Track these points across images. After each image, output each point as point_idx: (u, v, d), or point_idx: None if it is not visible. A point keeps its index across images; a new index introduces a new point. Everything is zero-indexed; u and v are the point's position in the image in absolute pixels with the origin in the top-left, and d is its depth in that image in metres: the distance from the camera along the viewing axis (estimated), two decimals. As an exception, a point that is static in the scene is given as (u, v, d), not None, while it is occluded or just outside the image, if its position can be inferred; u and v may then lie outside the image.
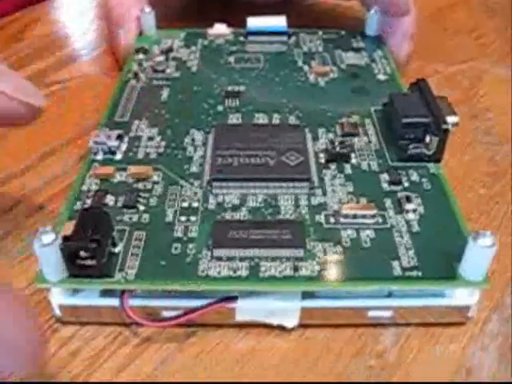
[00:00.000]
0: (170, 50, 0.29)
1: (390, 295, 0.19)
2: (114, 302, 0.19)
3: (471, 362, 0.19)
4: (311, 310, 0.19)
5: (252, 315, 0.19)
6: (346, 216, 0.20)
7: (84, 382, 0.18)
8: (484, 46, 0.35)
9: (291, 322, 0.19)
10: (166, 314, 0.19)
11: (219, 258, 0.19)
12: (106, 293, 0.19)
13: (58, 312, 0.19)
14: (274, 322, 0.19)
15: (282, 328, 0.19)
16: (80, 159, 0.26)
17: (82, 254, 0.18)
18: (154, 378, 0.18)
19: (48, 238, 0.18)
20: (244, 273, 0.18)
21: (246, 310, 0.19)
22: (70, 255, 0.18)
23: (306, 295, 0.19)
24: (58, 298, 0.19)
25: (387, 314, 0.19)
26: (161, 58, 0.28)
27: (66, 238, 0.18)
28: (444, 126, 0.22)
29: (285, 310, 0.19)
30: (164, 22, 0.31)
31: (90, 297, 0.19)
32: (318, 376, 0.18)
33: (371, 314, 0.19)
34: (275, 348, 0.19)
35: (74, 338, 0.19)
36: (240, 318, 0.19)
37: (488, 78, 0.32)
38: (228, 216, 0.20)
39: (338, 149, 0.23)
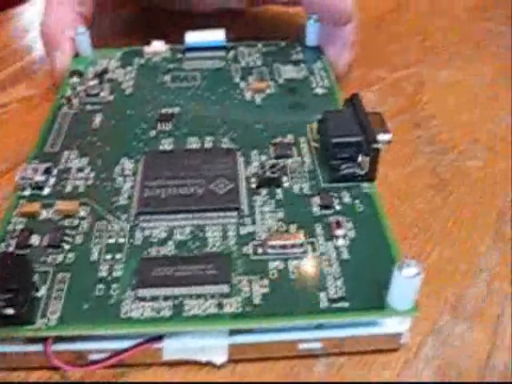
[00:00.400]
0: (105, 71, 0.29)
1: (319, 326, 0.19)
2: (38, 347, 0.18)
3: (406, 388, 0.19)
4: (239, 346, 0.19)
5: (179, 354, 0.19)
6: (273, 247, 0.20)
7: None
8: (429, 49, 0.34)
9: (220, 358, 0.19)
10: (92, 356, 0.19)
11: (143, 299, 0.18)
12: (31, 339, 0.19)
13: (-14, 359, 0.19)
14: (203, 358, 0.19)
15: (212, 364, 0.19)
16: (9, 195, 0.25)
17: (0, 303, 0.18)
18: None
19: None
20: (167, 313, 0.18)
21: (172, 349, 0.18)
22: (-12, 304, 0.17)
23: (234, 331, 0.19)
24: (-16, 345, 0.19)
25: (317, 345, 0.19)
26: (95, 82, 0.28)
27: (-18, 288, 0.17)
28: (374, 146, 0.22)
29: (212, 347, 0.18)
30: (101, 41, 0.31)
31: (13, 344, 0.19)
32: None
33: (301, 346, 0.19)
34: (206, 385, 0.19)
35: (3, 384, 0.19)
36: (167, 357, 0.19)
37: (432, 83, 0.31)
38: (154, 251, 0.20)
39: (268, 173, 0.22)
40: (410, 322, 0.19)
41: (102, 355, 0.18)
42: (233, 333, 0.19)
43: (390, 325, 0.19)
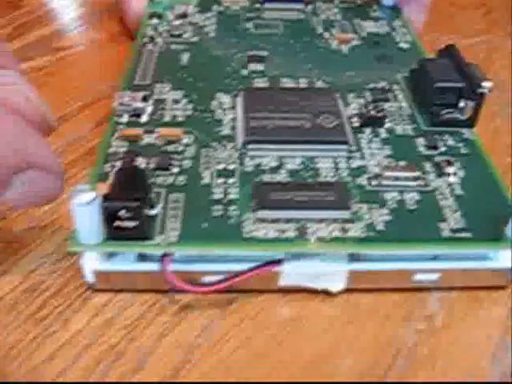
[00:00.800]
0: (185, 15, 0.28)
1: (435, 258, 0.19)
2: (151, 266, 0.18)
3: (518, 324, 0.19)
4: (358, 273, 0.18)
5: (296, 280, 0.18)
6: (388, 178, 0.20)
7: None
8: (493, 22, 0.34)
9: (337, 286, 0.18)
10: (205, 279, 0.18)
11: (264, 220, 0.18)
12: (142, 258, 0.18)
13: (91, 278, 0.18)
14: (319, 286, 0.18)
15: (326, 293, 0.19)
16: (96, 125, 0.25)
17: (122, 214, 0.17)
18: (196, 346, 0.17)
19: (87, 196, 0.16)
20: (292, 234, 0.18)
21: (291, 274, 0.18)
22: (111, 215, 0.17)
23: (352, 258, 0.18)
24: (92, 263, 0.18)
25: (433, 276, 0.19)
26: (177, 22, 0.27)
27: (106, 197, 0.17)
28: (480, 90, 0.22)
29: (331, 273, 0.18)
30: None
31: (125, 262, 0.18)
32: (364, 342, 0.18)
33: (418, 277, 0.19)
34: (321, 313, 0.18)
35: (108, 306, 0.18)
36: (284, 282, 0.18)
37: (503, 51, 0.31)
38: (267, 178, 0.20)
39: (372, 112, 0.22)
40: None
41: (216, 278, 0.18)
42: (351, 260, 0.18)
43: (504, 259, 0.19)
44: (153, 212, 0.18)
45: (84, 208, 0.17)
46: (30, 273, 0.19)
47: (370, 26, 0.28)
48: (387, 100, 0.23)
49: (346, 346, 0.18)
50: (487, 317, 0.19)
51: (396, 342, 0.18)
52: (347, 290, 0.19)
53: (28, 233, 0.20)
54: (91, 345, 0.17)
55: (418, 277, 0.19)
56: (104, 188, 0.18)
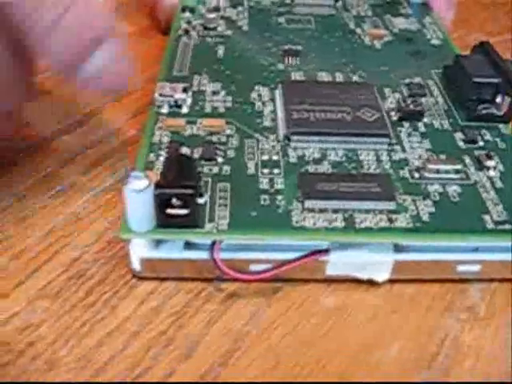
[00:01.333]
0: (217, 9, 0.29)
1: (476, 250, 0.19)
2: (199, 254, 0.18)
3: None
4: (402, 263, 0.18)
5: (343, 269, 0.18)
6: (430, 171, 0.20)
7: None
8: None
9: (382, 275, 0.19)
10: (252, 267, 0.18)
11: (311, 210, 0.18)
12: (188, 246, 0.18)
13: (137, 266, 0.18)
14: (365, 276, 0.19)
15: (370, 284, 0.19)
16: (133, 116, 0.25)
17: (174, 202, 0.17)
18: (245, 333, 0.17)
19: (141, 183, 0.17)
20: (340, 224, 0.18)
21: (337, 263, 0.18)
22: (163, 203, 0.17)
23: (397, 249, 0.19)
24: (140, 250, 0.18)
25: (475, 268, 0.19)
26: (210, 16, 0.27)
27: (158, 185, 0.17)
28: (518, 86, 0.22)
29: (377, 263, 0.18)
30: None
31: (173, 250, 0.18)
32: (408, 332, 0.18)
33: (460, 268, 0.19)
34: (365, 303, 0.19)
35: (154, 293, 0.18)
36: (331, 272, 0.18)
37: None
38: (311, 169, 0.20)
39: (411, 106, 0.22)
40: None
41: (262, 266, 0.18)
42: (397, 250, 0.18)
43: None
44: (202, 200, 0.18)
45: (137, 195, 0.17)
46: (74, 261, 0.19)
47: (400, 23, 0.29)
48: (424, 95, 0.24)
49: (390, 335, 0.18)
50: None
51: (439, 332, 0.18)
52: (390, 281, 0.19)
53: (67, 224, 0.20)
54: (140, 332, 0.17)
55: (461, 268, 0.19)
56: (154, 176, 0.18)
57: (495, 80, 0.22)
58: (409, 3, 0.30)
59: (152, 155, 0.20)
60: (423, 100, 0.23)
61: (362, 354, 0.17)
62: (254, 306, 0.18)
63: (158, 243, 0.18)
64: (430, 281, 0.19)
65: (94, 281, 0.19)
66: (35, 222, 0.20)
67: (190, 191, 0.17)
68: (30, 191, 0.21)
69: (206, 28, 0.27)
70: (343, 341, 0.18)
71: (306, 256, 0.18)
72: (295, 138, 0.21)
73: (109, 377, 0.16)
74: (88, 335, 0.17)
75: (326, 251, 0.18)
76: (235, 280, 0.18)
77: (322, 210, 0.18)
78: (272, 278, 0.18)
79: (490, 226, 0.18)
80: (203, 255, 0.18)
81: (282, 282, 0.19)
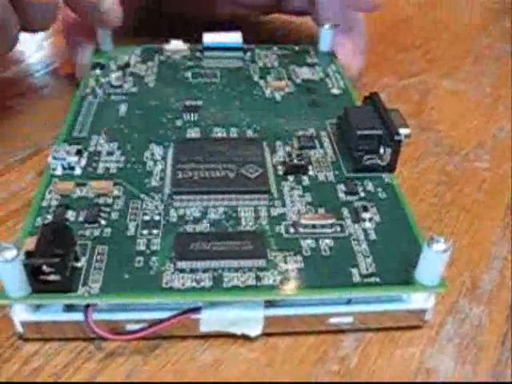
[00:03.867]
0: (127, 65, 0.30)
1: (349, 302, 0.20)
2: (78, 316, 0.19)
3: (430, 363, 0.19)
4: (274, 318, 0.19)
5: (216, 325, 0.19)
6: (305, 226, 0.21)
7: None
8: (431, 61, 0.36)
9: (254, 330, 0.19)
10: (130, 327, 0.19)
11: (182, 270, 0.19)
12: (69, 308, 0.19)
13: (20, 329, 0.19)
14: (238, 331, 0.19)
15: (245, 337, 0.20)
16: (37, 175, 0.26)
17: (45, 269, 0.18)
18: (119, 392, 0.18)
19: (10, 253, 0.17)
20: (207, 284, 0.19)
21: (210, 320, 0.19)
22: (33, 271, 0.18)
23: (269, 304, 0.19)
24: (21, 314, 0.19)
25: (347, 320, 0.20)
26: (118, 74, 0.28)
27: (28, 254, 0.18)
28: (397, 138, 0.23)
29: (248, 319, 0.19)
30: (119, 40, 0.32)
31: (52, 312, 0.19)
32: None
33: (332, 320, 0.20)
34: (240, 357, 0.19)
35: (37, 354, 0.19)
36: (204, 328, 0.19)
37: (436, 91, 0.33)
38: (190, 228, 0.21)
39: (295, 161, 0.23)
40: (434, 300, 0.20)
41: (139, 326, 0.19)
42: (268, 306, 0.19)
43: (416, 301, 0.20)
44: (78, 264, 0.19)
45: (7, 265, 0.17)
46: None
47: (305, 73, 0.30)
48: (313, 147, 0.25)
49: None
50: (400, 357, 0.20)
51: (309, 384, 0.19)
52: (266, 334, 0.20)
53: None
54: (19, 393, 0.18)
55: (333, 320, 0.20)
56: (32, 242, 0.19)
57: (378, 132, 0.23)
58: (316, 52, 0.31)
59: (39, 219, 0.21)
60: (312, 152, 0.24)
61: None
62: (131, 364, 0.19)
63: (38, 306, 0.19)
64: (306, 333, 0.20)
65: (-20, 344, 0.19)
66: None
67: (57, 260, 0.18)
68: None
69: (112, 86, 0.28)
70: (215, 397, 0.18)
71: (178, 315, 0.19)
72: (177, 197, 0.21)
73: None
74: (-33, 399, 0.18)
75: (198, 309, 0.19)
76: (111, 340, 0.19)
77: (192, 270, 0.19)
78: (151, 336, 0.19)
79: (357, 279, 0.19)
80: (81, 317, 0.19)
81: (161, 339, 0.20)
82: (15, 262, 0.17)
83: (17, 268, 0.18)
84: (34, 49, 0.36)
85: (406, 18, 0.41)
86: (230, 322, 0.19)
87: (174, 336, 0.20)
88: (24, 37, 0.37)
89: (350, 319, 0.20)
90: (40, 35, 0.37)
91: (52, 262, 0.18)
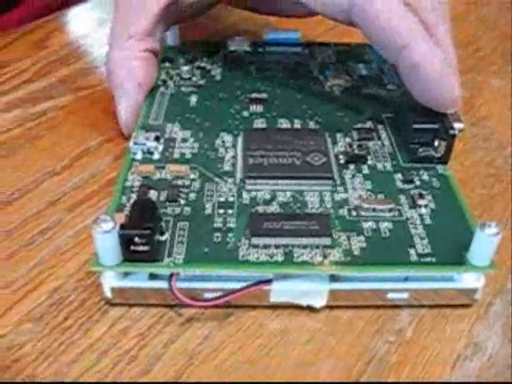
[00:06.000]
0: (194, 59, 0.32)
1: (406, 279, 0.22)
2: (161, 284, 0.21)
3: (478, 338, 0.21)
4: (337, 292, 0.21)
5: (284, 296, 0.21)
6: (366, 209, 0.23)
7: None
8: (481, 60, 0.38)
9: (319, 302, 0.21)
10: (207, 295, 0.21)
11: (256, 246, 0.21)
12: (153, 277, 0.21)
13: (108, 294, 0.21)
14: (304, 302, 0.21)
15: (310, 309, 0.22)
16: (114, 159, 0.28)
17: (137, 240, 0.20)
18: (198, 352, 0.20)
19: (107, 225, 0.20)
20: (280, 258, 0.21)
21: (279, 291, 0.21)
22: (127, 241, 0.20)
23: (333, 279, 0.21)
24: (111, 281, 0.21)
25: (404, 295, 0.22)
26: (186, 67, 0.30)
27: (123, 226, 0.20)
28: (451, 132, 0.24)
29: (314, 291, 0.21)
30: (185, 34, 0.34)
31: (139, 280, 0.21)
32: (342, 351, 0.21)
33: (390, 295, 0.21)
34: (305, 327, 0.21)
35: (123, 318, 0.21)
36: (274, 299, 0.21)
37: (486, 89, 0.34)
38: (261, 209, 0.23)
39: (356, 151, 0.25)
40: (483, 281, 0.22)
41: (215, 295, 0.21)
42: (332, 280, 0.21)
43: (467, 281, 0.22)
44: (163, 238, 0.21)
45: (104, 235, 0.20)
46: (56, 290, 0.22)
47: (361, 69, 0.32)
48: (371, 139, 0.26)
49: (325, 354, 0.21)
50: (451, 331, 0.21)
51: (369, 352, 0.21)
52: (329, 306, 0.22)
53: (53, 256, 0.24)
54: (108, 350, 0.20)
55: (391, 296, 0.22)
56: (121, 218, 0.21)
57: (434, 126, 0.25)
58: (372, 49, 0.33)
59: (124, 198, 0.23)
60: (370, 144, 0.26)
61: (298, 372, 0.20)
62: (207, 328, 0.21)
63: (126, 274, 0.21)
64: (365, 307, 0.22)
65: (71, 307, 0.22)
66: (23, 256, 0.23)
67: (148, 232, 0.20)
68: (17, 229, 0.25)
69: (181, 78, 0.30)
70: (282, 360, 0.20)
71: (251, 285, 0.21)
72: (249, 181, 0.24)
73: (78, 390, 0.19)
74: (64, 354, 0.20)
75: (269, 281, 0.21)
76: (190, 306, 0.21)
77: (265, 246, 0.21)
78: (224, 305, 0.21)
79: (414, 258, 0.21)
80: (165, 285, 0.21)
81: (234, 308, 0.22)
82: (112, 233, 0.20)
83: (113, 238, 0.20)
84: (101, 42, 0.38)
85: (456, 15, 0.43)
86: (297, 294, 0.21)
87: (245, 305, 0.22)
88: (89, 30, 0.40)
89: (405, 295, 0.22)
90: (105, 28, 0.40)
91: (143, 234, 0.20)
